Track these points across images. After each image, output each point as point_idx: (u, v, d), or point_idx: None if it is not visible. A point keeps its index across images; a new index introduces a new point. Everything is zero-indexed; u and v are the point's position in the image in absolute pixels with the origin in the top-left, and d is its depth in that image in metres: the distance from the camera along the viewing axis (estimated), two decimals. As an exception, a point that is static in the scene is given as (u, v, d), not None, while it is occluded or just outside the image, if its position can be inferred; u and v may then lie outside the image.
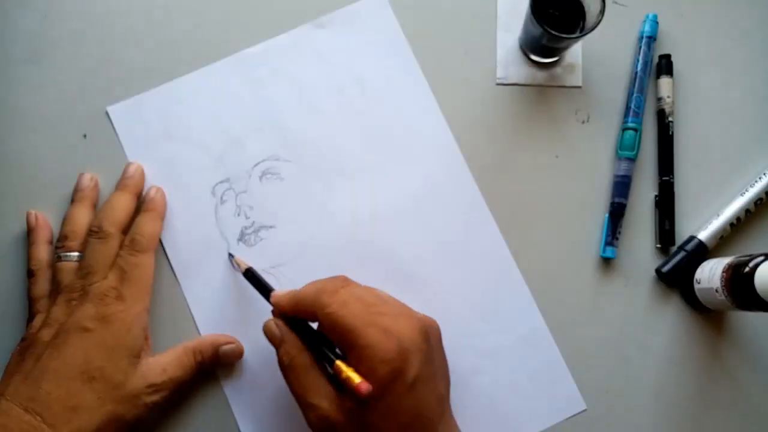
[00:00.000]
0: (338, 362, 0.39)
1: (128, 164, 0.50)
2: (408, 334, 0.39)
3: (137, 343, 0.45)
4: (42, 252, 0.48)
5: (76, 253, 0.47)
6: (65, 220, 0.49)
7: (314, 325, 0.43)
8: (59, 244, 0.48)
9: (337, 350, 0.41)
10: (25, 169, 0.51)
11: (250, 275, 0.47)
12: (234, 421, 0.48)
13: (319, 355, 0.41)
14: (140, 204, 0.50)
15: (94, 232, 0.47)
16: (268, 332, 0.43)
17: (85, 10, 0.53)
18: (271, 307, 0.45)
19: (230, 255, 0.49)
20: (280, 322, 0.43)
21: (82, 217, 0.48)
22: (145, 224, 0.48)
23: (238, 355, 0.48)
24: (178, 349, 0.47)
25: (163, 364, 0.46)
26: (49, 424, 0.41)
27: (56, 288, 0.46)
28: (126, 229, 0.48)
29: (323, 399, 0.39)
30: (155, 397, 0.45)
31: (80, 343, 0.43)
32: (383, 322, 0.39)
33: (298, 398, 0.40)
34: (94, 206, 0.50)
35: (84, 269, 0.46)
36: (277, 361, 0.42)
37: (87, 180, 0.50)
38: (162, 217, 0.50)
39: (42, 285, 0.47)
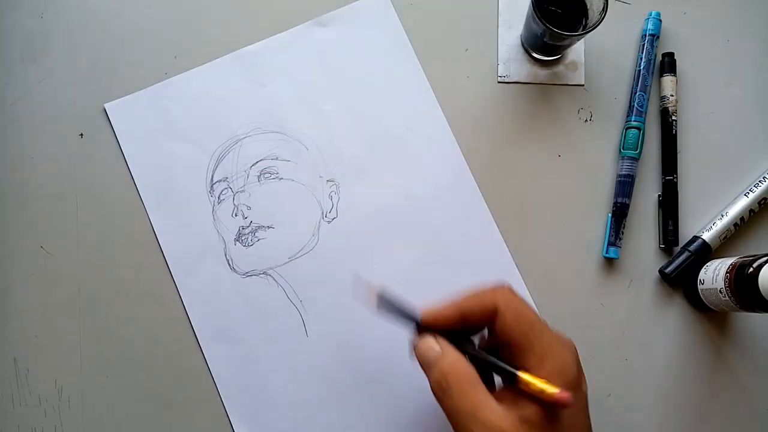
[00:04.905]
0: (523, 373, 0.35)
1: None
2: (573, 348, 0.38)
3: None
4: None
5: None
6: None
7: None
8: None
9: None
10: (21, 168, 0.51)
11: (386, 302, 0.40)
12: (230, 427, 0.48)
13: (492, 368, 0.37)
14: None
15: None
16: (423, 350, 0.38)
17: (81, 8, 0.53)
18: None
19: (358, 277, 0.44)
20: (439, 337, 0.38)
21: None
22: None
23: None
24: None
25: None
26: None
27: None
28: None
29: (494, 414, 0.35)
30: None
31: None
32: (552, 330, 0.37)
33: (464, 417, 0.35)
34: None
35: None
36: (430, 384, 0.37)
37: None
38: None
39: None
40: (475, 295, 0.38)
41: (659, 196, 0.51)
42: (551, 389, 0.34)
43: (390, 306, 0.40)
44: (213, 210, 0.50)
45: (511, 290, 0.38)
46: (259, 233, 0.50)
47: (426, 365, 0.38)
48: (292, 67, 0.52)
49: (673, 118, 0.52)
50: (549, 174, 0.52)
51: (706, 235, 0.50)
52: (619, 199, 0.50)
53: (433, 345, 0.38)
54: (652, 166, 0.52)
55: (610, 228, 0.50)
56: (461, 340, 0.39)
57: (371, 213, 0.50)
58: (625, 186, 0.50)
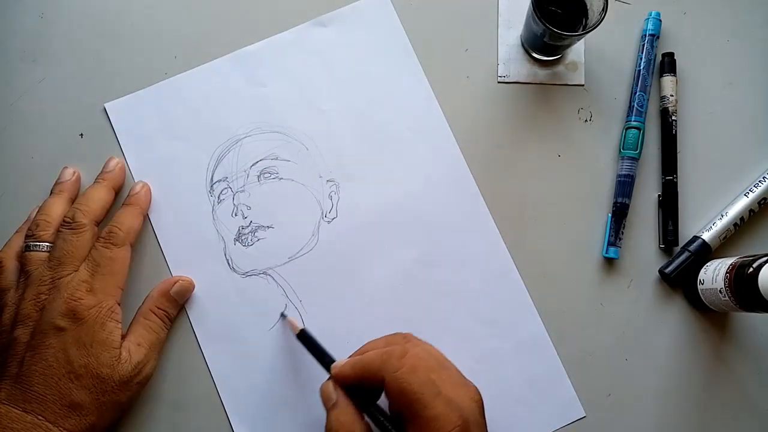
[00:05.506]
0: None
1: (109, 158, 0.50)
2: (468, 405, 0.39)
3: (113, 336, 0.44)
4: (15, 241, 0.47)
5: (47, 244, 0.46)
6: (39, 210, 0.48)
7: None
8: (30, 233, 0.46)
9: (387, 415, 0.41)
10: (21, 168, 0.51)
11: (305, 338, 0.46)
12: (230, 427, 0.48)
13: (380, 428, 0.40)
14: (121, 200, 0.49)
15: (67, 223, 0.46)
16: (322, 394, 0.42)
17: (81, 8, 0.53)
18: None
19: (282, 315, 0.49)
20: (339, 387, 0.41)
21: (57, 208, 0.47)
22: (126, 218, 0.47)
23: (189, 288, 0.48)
24: (138, 319, 0.47)
25: (135, 339, 0.46)
26: (52, 422, 0.41)
27: (25, 279, 0.45)
28: (100, 222, 0.48)
29: None
30: (145, 371, 0.45)
31: (58, 344, 0.42)
32: (446, 391, 0.39)
33: None
34: (73, 200, 0.49)
35: (54, 260, 0.45)
36: (326, 425, 0.40)
37: (68, 174, 0.49)
38: (144, 213, 0.49)
39: (7, 276, 0.46)
40: (371, 362, 0.41)
41: (659, 196, 0.51)
42: None
43: (309, 346, 0.45)
44: (213, 210, 0.50)
45: (400, 357, 0.40)
46: (259, 233, 0.50)
47: (325, 408, 0.41)
48: (292, 67, 0.52)
49: (673, 118, 0.52)
50: (549, 174, 0.52)
51: (706, 235, 0.50)
52: (619, 199, 0.50)
53: (330, 393, 0.41)
54: (652, 166, 0.52)
55: (610, 228, 0.50)
56: (366, 393, 0.41)
57: (371, 213, 0.50)
58: (625, 186, 0.50)
